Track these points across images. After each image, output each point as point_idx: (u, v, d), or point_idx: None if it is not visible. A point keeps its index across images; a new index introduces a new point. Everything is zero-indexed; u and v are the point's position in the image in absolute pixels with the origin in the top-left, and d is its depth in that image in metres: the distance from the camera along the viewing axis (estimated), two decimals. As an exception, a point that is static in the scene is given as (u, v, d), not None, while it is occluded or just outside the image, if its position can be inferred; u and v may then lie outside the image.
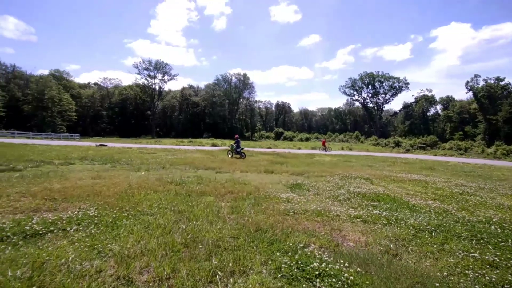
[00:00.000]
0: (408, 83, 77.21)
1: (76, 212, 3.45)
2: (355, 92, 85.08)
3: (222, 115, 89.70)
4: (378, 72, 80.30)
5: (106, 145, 17.71)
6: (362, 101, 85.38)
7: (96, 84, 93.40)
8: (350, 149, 35.26)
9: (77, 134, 51.88)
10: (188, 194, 4.83)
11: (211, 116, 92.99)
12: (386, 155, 23.73)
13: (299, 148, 29.21)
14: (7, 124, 64.60)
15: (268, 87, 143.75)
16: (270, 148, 26.43)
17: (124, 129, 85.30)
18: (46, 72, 75.86)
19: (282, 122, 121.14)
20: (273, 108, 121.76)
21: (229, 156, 14.99)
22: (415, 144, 51.71)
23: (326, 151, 25.34)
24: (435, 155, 31.01)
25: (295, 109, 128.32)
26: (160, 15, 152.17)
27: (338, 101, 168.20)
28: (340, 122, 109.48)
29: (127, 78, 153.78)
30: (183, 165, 9.34)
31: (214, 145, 25.26)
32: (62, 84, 75.04)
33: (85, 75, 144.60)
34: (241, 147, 15.27)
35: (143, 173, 7.07)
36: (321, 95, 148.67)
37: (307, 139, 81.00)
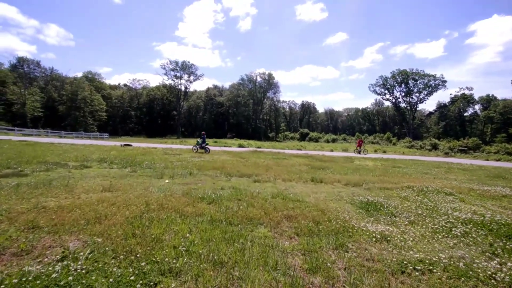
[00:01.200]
0: (445, 81, 71.05)
1: (54, 262, 2.05)
2: (386, 91, 79.89)
3: (246, 115, 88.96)
4: (412, 69, 74.73)
5: (131, 145, 16.93)
6: (394, 100, 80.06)
7: (125, 85, 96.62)
8: (384, 152, 32.50)
9: (106, 134, 53.21)
10: (229, 221, 3.30)
11: (235, 116, 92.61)
12: (433, 160, 20.97)
13: (332, 150, 27.03)
14: (44, 124, 68.13)
15: (292, 87, 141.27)
16: (300, 150, 24.60)
17: (151, 129, 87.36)
18: (80, 74, 79.31)
19: (307, 123, 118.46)
20: (297, 108, 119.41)
21: (194, 151, 15.95)
22: (454, 147, 47.36)
23: (362, 153, 23.02)
24: (487, 159, 27.36)
25: (320, 109, 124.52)
26: (187, 18, 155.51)
27: (364, 101, 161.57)
28: (368, 123, 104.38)
29: (155, 80, 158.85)
30: (213, 170, 7.93)
31: (240, 145, 23.91)
32: (93, 85, 78.03)
33: (116, 77, 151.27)
34: (206, 142, 16.78)
35: (166, 181, 5.71)
36: (346, 95, 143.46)
37: (334, 141, 77.89)
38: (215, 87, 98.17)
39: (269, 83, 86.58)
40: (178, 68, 76.89)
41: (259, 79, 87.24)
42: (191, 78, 79.66)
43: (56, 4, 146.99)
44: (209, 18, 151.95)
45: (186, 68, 76.78)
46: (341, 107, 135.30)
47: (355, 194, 5.62)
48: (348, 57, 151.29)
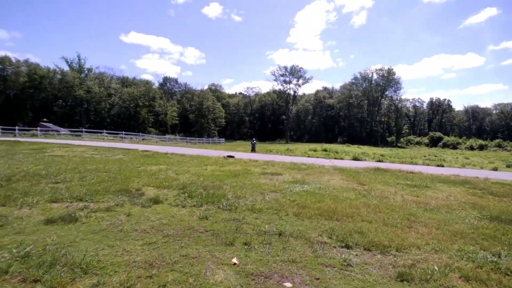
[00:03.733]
0: None
1: None
2: None
3: (359, 117, 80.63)
4: None
5: (233, 157, 16.16)
6: None
7: (240, 93, 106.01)
8: None
9: (222, 139, 58.46)
10: None
11: (346, 119, 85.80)
12: None
13: (495, 169, 18.49)
14: (180, 130, 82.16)
15: (417, 82, 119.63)
16: (441, 166, 17.86)
17: (262, 133, 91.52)
18: (206, 87, 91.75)
19: (438, 125, 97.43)
20: (425, 107, 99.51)
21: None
22: None
23: None
24: None
25: (457, 107, 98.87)
26: (298, 23, 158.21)
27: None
28: (536, 122, 74.94)
29: (266, 86, 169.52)
30: (317, 220, 5.08)
31: (355, 158, 19.64)
32: (215, 95, 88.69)
33: (236, 87, 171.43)
34: (255, 148, 24.24)
35: (234, 262, 3.29)
36: (496, 86, 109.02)
37: (481, 148, 59.63)
38: (325, 89, 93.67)
39: (388, 80, 75.19)
40: (287, 73, 77.37)
41: (375, 76, 77.14)
42: (300, 81, 78.62)
43: (194, 31, 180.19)
44: (320, 19, 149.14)
45: (294, 72, 76.30)
46: (489, 103, 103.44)
47: None
48: (498, 38, 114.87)
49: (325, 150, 27.30)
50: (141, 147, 20.71)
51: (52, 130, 31.88)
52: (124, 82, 75.43)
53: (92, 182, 7.21)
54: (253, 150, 23.84)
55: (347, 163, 16.22)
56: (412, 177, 11.51)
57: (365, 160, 19.22)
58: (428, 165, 18.24)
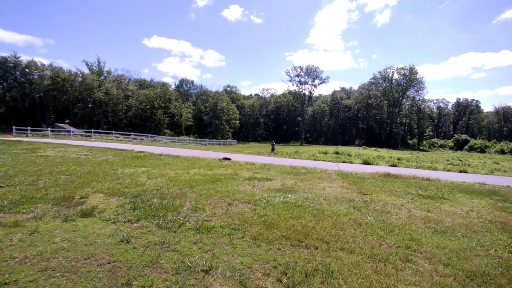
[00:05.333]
0: None
1: None
2: None
3: (378, 118, 77.08)
4: None
5: (229, 159, 15.07)
6: None
7: (256, 94, 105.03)
8: None
9: (234, 140, 57.61)
10: None
11: (364, 120, 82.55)
12: None
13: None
14: (195, 131, 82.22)
15: (443, 82, 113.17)
16: (464, 172, 15.67)
17: (277, 135, 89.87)
18: (221, 88, 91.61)
19: (465, 126, 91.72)
20: (450, 108, 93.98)
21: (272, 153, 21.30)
22: None
23: None
24: None
25: (486, 108, 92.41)
26: (318, 23, 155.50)
27: None
28: None
29: (281, 87, 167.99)
30: (276, 248, 3.81)
31: (366, 162, 17.84)
32: (230, 97, 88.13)
33: (254, 88, 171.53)
34: (275, 148, 26.66)
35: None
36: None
37: (514, 151, 54.43)
38: (342, 89, 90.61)
39: (410, 80, 71.33)
40: (302, 73, 75.45)
41: (396, 75, 73.38)
42: (316, 82, 76.45)
43: (214, 34, 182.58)
44: (342, 19, 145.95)
45: (310, 73, 74.24)
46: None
47: None
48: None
49: (337, 153, 25.52)
50: (141, 147, 20.15)
51: (65, 131, 32.43)
52: (142, 84, 76.75)
53: (39, 187, 6.35)
54: (273, 150, 26.41)
55: (355, 168, 14.59)
56: (427, 186, 9.80)
57: (377, 164, 17.39)
58: (449, 170, 16.10)
